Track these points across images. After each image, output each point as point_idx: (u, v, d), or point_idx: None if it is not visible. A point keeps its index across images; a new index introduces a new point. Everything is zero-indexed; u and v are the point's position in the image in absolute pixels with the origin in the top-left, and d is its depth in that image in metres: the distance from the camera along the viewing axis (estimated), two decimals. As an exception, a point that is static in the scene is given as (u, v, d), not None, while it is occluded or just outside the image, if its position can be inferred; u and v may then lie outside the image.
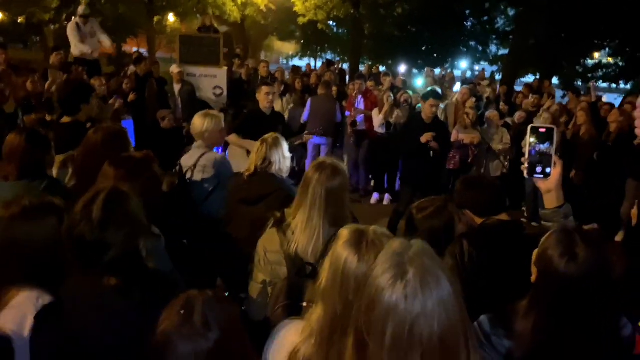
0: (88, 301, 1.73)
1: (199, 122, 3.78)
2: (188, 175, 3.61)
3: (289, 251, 2.24)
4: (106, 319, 1.72)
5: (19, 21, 21.15)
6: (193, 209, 3.34)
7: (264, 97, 5.50)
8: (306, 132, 6.33)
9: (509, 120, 8.02)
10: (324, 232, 2.21)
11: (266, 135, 3.55)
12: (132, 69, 9.14)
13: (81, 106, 3.98)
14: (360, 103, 8.37)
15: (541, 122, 6.94)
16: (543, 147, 1.85)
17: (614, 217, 6.67)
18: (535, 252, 1.70)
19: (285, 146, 3.50)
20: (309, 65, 12.22)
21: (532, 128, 1.87)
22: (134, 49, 19.07)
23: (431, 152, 5.90)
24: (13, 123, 4.30)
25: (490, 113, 7.47)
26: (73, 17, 9.36)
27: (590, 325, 1.57)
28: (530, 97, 8.25)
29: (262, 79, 9.75)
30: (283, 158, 3.42)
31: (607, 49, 20.36)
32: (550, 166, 1.85)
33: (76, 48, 8.99)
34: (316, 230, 2.21)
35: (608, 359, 1.58)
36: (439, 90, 8.56)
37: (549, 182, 1.86)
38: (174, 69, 8.67)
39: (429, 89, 8.63)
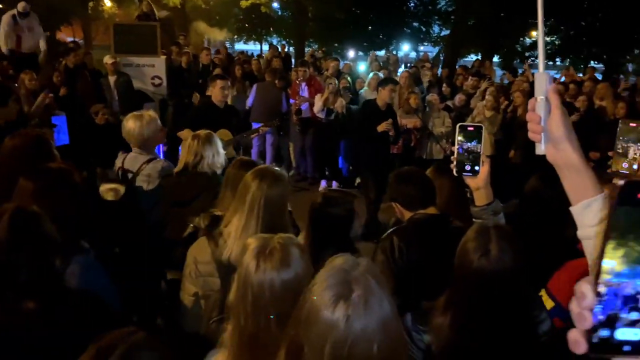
0: (7, 327, 1.63)
1: (133, 127, 3.42)
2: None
3: (221, 261, 2.15)
4: (26, 344, 1.63)
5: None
6: (141, 218, 3.18)
7: (218, 92, 5.30)
8: (262, 124, 6.22)
9: (450, 103, 8.15)
10: None
11: (199, 131, 3.43)
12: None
13: None
14: (304, 90, 8.30)
15: (484, 104, 7.09)
16: (471, 145, 1.86)
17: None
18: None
19: (219, 142, 3.39)
20: (223, 50, 11.38)
21: (460, 126, 1.88)
22: (69, 39, 18.18)
23: (391, 138, 6.01)
24: None
25: (431, 97, 7.56)
26: (10, 11, 8.86)
27: (504, 320, 1.61)
28: (469, 80, 8.41)
29: (204, 66, 9.50)
30: (217, 154, 3.31)
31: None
32: (478, 164, 1.86)
33: (3, 42, 8.61)
34: None
35: (522, 352, 1.62)
36: (382, 75, 8.61)
37: (478, 180, 1.88)
38: (108, 59, 8.29)
39: (371, 74, 8.65)
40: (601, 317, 0.53)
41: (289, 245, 1.43)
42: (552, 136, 1.06)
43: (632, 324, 0.53)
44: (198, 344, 2.03)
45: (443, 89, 8.89)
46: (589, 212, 1.06)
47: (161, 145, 6.87)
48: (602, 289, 0.53)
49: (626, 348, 0.54)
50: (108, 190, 3.08)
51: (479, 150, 1.84)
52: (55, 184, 2.16)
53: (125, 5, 23.09)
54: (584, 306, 0.54)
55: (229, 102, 8.00)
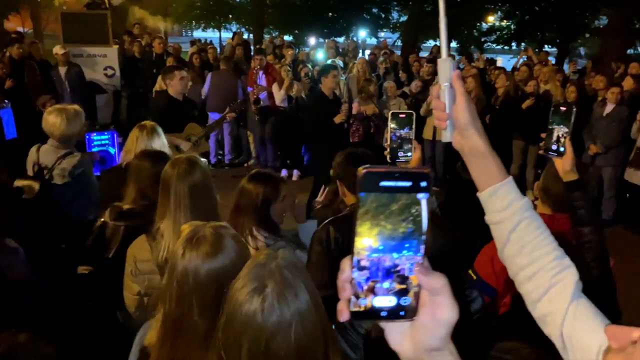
0: None
1: (55, 121, 3.34)
2: (47, 177, 3.32)
3: (159, 259, 2.12)
4: None
5: None
6: (58, 214, 3.12)
7: (178, 83, 5.04)
8: (227, 110, 6.10)
9: (406, 89, 8.22)
10: None
11: (144, 122, 3.37)
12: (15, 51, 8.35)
13: None
14: (261, 79, 8.23)
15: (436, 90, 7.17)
16: (403, 132, 1.90)
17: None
18: None
19: (162, 133, 3.33)
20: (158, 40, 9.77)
21: (392, 114, 1.92)
22: (19, 28, 17.43)
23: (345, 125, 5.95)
24: None
25: (387, 84, 7.61)
26: None
27: None
28: (425, 66, 8.51)
29: (158, 56, 9.29)
30: (164, 146, 3.26)
31: (500, 13, 21.47)
32: (411, 150, 1.90)
33: None
34: None
35: (457, 332, 1.67)
36: (341, 63, 8.62)
37: (410, 166, 1.92)
38: (58, 49, 8.00)
39: (329, 61, 8.64)
40: (365, 286, 0.60)
41: (220, 235, 1.42)
42: (457, 123, 1.04)
43: (388, 292, 0.60)
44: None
45: (400, 75, 8.95)
46: (495, 199, 1.07)
47: (116, 137, 6.72)
48: (365, 262, 0.59)
49: (383, 314, 0.61)
50: (22, 187, 3.02)
51: (410, 137, 1.89)
52: None
53: (77, -7, 22.29)
54: (343, 279, 0.60)
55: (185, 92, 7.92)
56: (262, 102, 8.14)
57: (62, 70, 7.98)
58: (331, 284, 1.99)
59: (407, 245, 0.59)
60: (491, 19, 22.47)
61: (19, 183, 2.95)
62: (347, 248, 2.02)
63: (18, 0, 20.88)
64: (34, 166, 3.32)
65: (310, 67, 8.73)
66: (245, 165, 8.52)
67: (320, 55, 9.64)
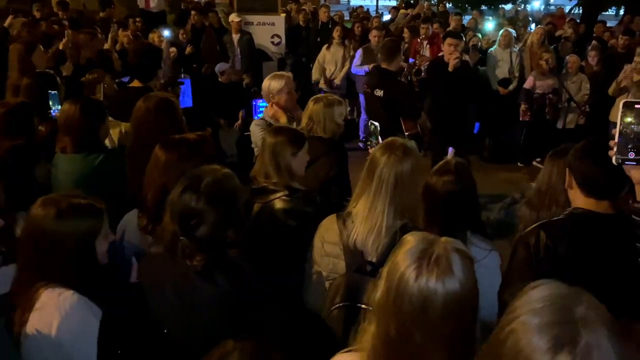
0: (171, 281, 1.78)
1: (267, 84, 3.57)
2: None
3: (347, 243, 2.00)
4: (188, 302, 1.75)
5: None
6: None
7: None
8: None
9: (583, 63, 7.23)
10: (388, 224, 1.94)
11: (322, 95, 3.32)
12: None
13: (157, 72, 3.88)
14: (426, 49, 7.83)
15: (632, 66, 6.17)
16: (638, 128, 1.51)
17: None
18: None
19: (338, 110, 3.20)
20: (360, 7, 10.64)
21: (626, 104, 1.53)
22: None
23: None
24: (71, 87, 4.21)
25: (570, 57, 6.78)
26: None
27: None
28: (619, 38, 7.35)
29: (322, 24, 9.32)
30: (329, 121, 3.13)
31: None
32: None
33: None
34: (378, 220, 1.94)
35: None
36: (514, 32, 7.85)
37: None
38: (234, 17, 8.38)
39: (501, 30, 7.91)
40: None
41: (453, 252, 1.22)
42: None
43: None
44: (321, 329, 1.97)
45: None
46: None
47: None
48: None
49: None
50: None
51: None
52: (187, 156, 2.16)
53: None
54: None
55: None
56: (422, 74, 7.77)
57: (235, 37, 8.35)
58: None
59: None
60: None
61: None
62: (559, 257, 1.66)
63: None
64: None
65: (479, 37, 8.11)
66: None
67: (490, 26, 8.90)
